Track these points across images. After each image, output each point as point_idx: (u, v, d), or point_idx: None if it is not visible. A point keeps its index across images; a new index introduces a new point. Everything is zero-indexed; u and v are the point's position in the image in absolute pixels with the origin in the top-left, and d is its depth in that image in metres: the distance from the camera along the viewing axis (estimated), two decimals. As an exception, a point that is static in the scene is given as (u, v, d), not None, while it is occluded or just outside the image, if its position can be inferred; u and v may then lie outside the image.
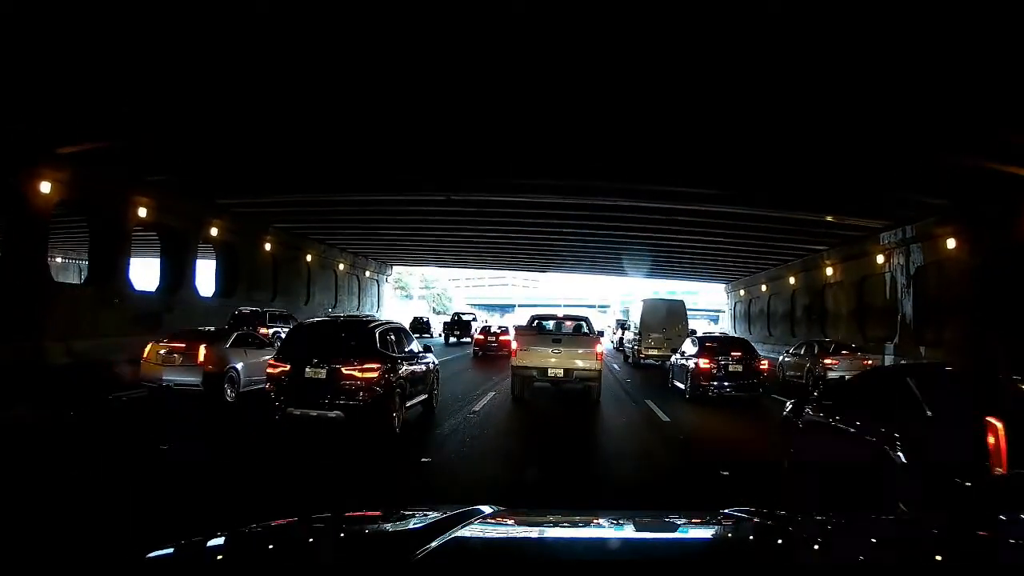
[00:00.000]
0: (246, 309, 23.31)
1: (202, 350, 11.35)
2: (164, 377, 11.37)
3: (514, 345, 13.58)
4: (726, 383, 13.92)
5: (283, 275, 29.94)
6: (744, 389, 14.13)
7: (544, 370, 12.82)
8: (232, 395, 11.59)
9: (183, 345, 11.59)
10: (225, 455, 7.58)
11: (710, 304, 77.13)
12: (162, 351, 11.62)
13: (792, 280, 31.91)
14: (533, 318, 15.97)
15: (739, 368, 14.21)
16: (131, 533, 4.12)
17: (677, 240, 28.55)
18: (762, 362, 15.18)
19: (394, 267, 47.65)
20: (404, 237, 33.45)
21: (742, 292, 41.78)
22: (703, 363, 13.98)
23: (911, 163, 15.19)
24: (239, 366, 11.79)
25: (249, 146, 16.72)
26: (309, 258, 32.63)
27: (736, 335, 36.13)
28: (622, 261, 36.43)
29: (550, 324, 15.68)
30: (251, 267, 27.58)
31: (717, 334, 30.21)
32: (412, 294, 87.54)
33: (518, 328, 16.08)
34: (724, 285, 47.94)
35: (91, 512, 5.11)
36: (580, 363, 12.82)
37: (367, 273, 41.80)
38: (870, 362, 18.71)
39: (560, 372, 12.80)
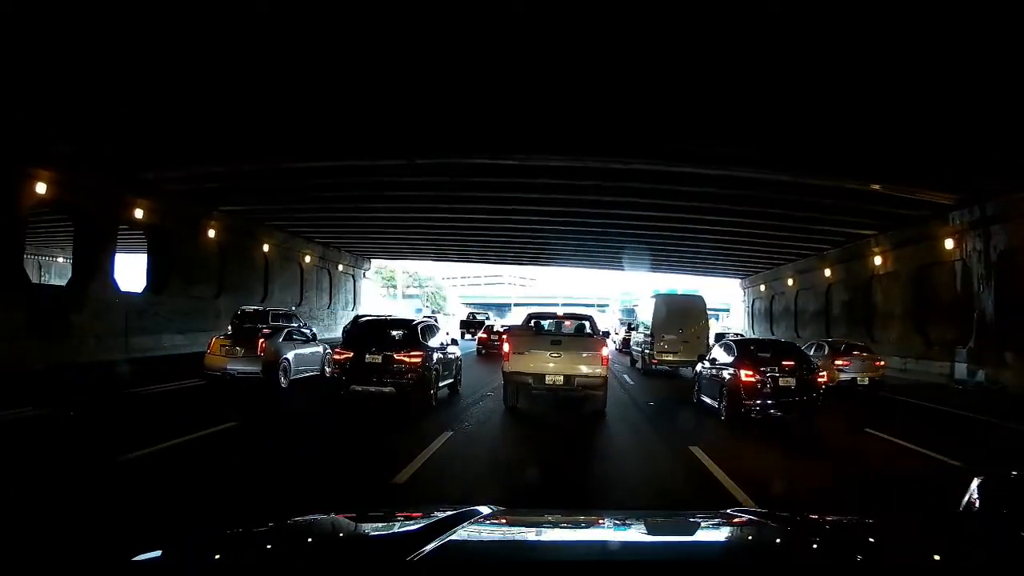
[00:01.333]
0: (249, 308, 22.20)
1: (261, 343, 13.20)
2: (227, 367, 13.09)
3: (506, 348, 11.73)
4: (772, 401, 10.86)
5: (232, 267, 25.34)
6: (798, 410, 10.97)
7: (541, 376, 11.26)
8: (285, 382, 13.48)
9: (244, 339, 13.56)
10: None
11: (715, 300, 73.89)
12: (225, 344, 13.51)
13: (828, 272, 27.60)
14: (530, 316, 13.76)
15: (791, 382, 10.98)
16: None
17: (685, 227, 24.73)
18: (820, 374, 11.75)
19: (372, 261, 42.84)
20: (380, 224, 29.44)
21: (762, 287, 37.35)
22: (745, 375, 10.92)
23: (997, 110, 11.10)
24: (290, 357, 13.75)
25: (173, 100, 13.06)
26: (266, 248, 28.03)
27: (754, 336, 32.03)
28: (622, 253, 33.19)
29: (548, 324, 14.06)
30: (190, 257, 23.10)
31: (733, 336, 26.95)
32: (405, 292, 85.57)
33: (511, 328, 14.18)
34: (739, 280, 43.61)
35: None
36: (584, 368, 11.29)
37: (340, 267, 37.12)
38: (883, 363, 16.90)
39: (559, 379, 11.21)
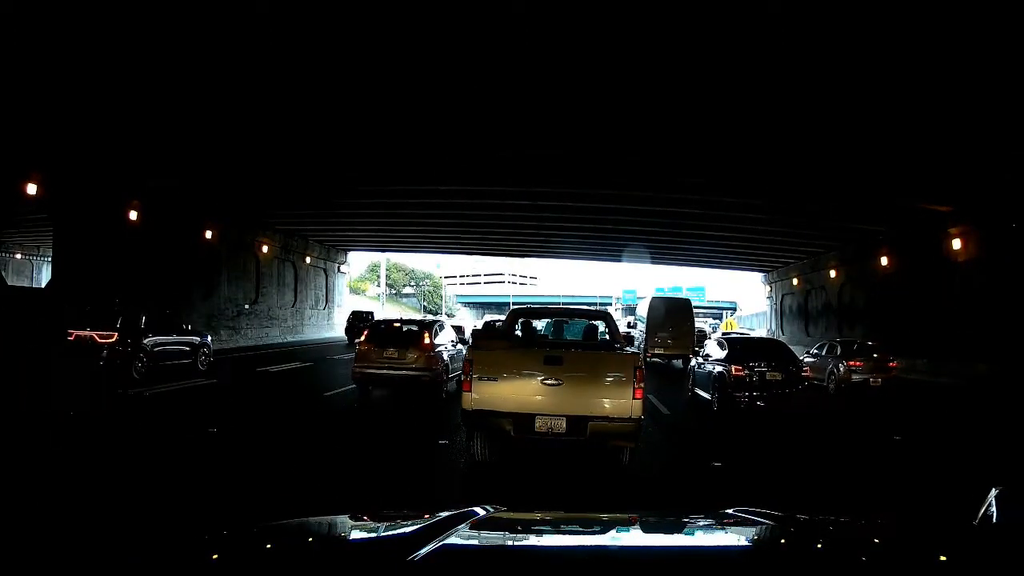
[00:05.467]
0: (362, 311, 31.71)
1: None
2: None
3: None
4: (760, 393, 11.83)
5: (158, 259, 20.48)
6: (783, 402, 11.86)
7: (527, 419, 6.89)
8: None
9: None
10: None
11: (721, 297, 70.70)
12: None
13: (884, 260, 22.98)
14: (514, 314, 9.37)
15: (777, 376, 11.98)
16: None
17: (698, 211, 21.54)
18: (804, 370, 12.96)
19: (349, 253, 37.87)
20: (359, 212, 25.44)
21: (795, 280, 32.60)
22: (736, 370, 11.89)
23: None
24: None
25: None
26: (209, 235, 23.42)
27: (782, 338, 27.80)
28: (627, 244, 30.52)
29: (542, 326, 11.90)
30: (101, 247, 18.50)
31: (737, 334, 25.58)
32: (401, 291, 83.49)
33: (475, 335, 9.36)
34: (760, 275, 38.94)
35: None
36: (603, 404, 6.91)
37: (307, 260, 32.30)
38: (896, 364, 16.56)
39: (561, 423, 6.85)
